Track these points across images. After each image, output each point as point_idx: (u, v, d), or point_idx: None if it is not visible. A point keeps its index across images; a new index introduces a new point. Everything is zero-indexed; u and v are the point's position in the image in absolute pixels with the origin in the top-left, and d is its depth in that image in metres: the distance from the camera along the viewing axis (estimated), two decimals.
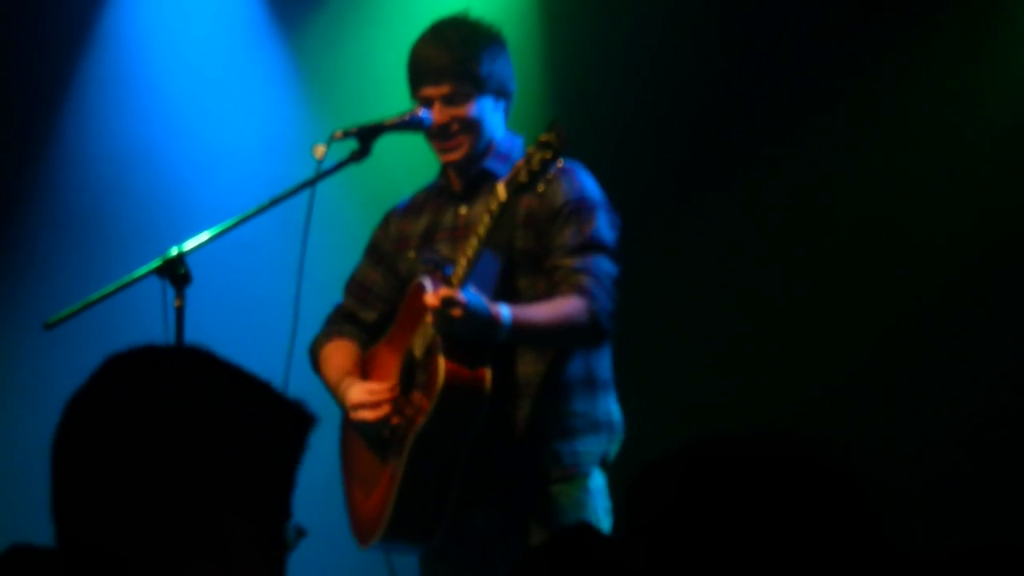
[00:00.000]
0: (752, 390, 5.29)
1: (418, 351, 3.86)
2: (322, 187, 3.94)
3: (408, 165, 5.31)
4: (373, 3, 5.70)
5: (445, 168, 4.06)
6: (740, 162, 5.39)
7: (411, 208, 4.14)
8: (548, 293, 3.85)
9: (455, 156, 3.97)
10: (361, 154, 3.95)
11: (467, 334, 3.72)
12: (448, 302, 3.64)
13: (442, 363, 3.74)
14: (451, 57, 3.94)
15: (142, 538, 1.60)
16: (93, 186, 5.61)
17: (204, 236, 3.81)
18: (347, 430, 4.12)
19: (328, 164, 3.91)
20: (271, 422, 1.69)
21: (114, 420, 1.64)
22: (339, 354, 4.09)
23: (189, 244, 3.77)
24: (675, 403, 5.22)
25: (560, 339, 3.85)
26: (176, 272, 3.73)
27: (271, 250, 5.19)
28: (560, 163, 3.68)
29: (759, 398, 5.26)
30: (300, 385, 4.08)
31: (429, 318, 3.71)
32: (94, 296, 3.81)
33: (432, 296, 3.67)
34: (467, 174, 4.01)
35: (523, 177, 3.66)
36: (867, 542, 1.54)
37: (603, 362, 3.97)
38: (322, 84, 5.71)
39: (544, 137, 3.66)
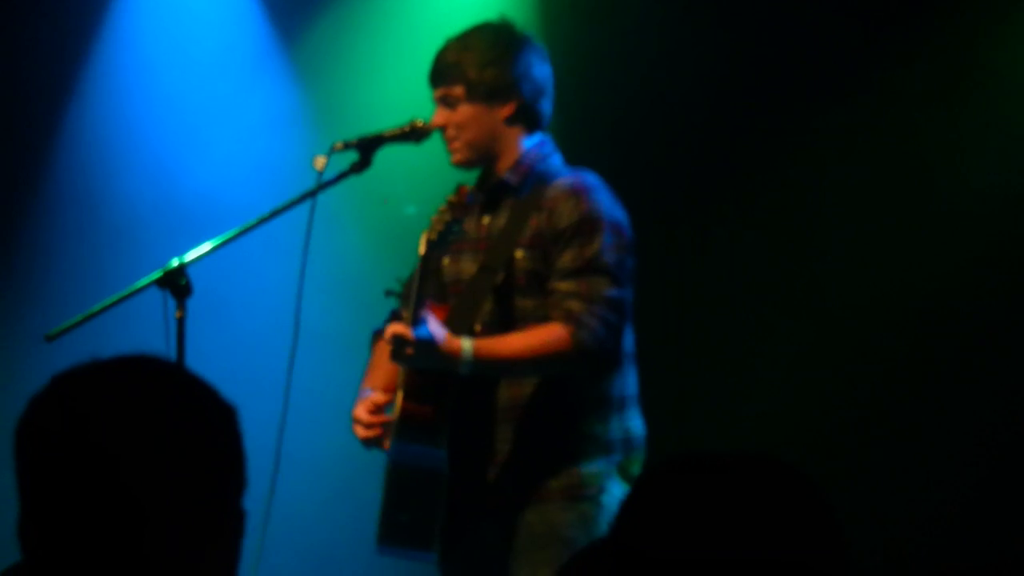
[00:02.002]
0: (757, 395, 5.28)
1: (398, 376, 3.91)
2: (323, 198, 3.94)
3: (408, 176, 5.34)
4: (373, 15, 5.71)
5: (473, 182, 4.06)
6: (741, 167, 5.38)
7: (433, 221, 4.08)
8: (546, 316, 3.82)
9: (456, 159, 3.99)
10: (361, 165, 3.96)
11: (425, 368, 3.76)
12: (399, 340, 3.70)
13: (398, 398, 3.84)
14: (447, 60, 3.97)
15: (99, 549, 1.62)
16: (94, 197, 5.61)
17: (205, 247, 3.82)
18: None
19: (328, 175, 3.91)
20: (218, 424, 1.71)
21: (58, 439, 1.65)
22: (380, 355, 4.06)
23: (190, 255, 3.78)
24: (679, 410, 5.21)
25: (535, 369, 3.82)
26: (177, 283, 3.73)
27: (272, 261, 5.20)
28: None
29: (765, 404, 5.26)
30: (301, 394, 4.11)
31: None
32: (96, 307, 3.82)
33: (387, 332, 3.73)
34: (485, 183, 4.02)
35: (433, 236, 3.76)
36: (833, 567, 1.58)
37: (620, 381, 3.92)
38: (323, 95, 5.72)
39: (451, 198, 3.76)
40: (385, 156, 4.01)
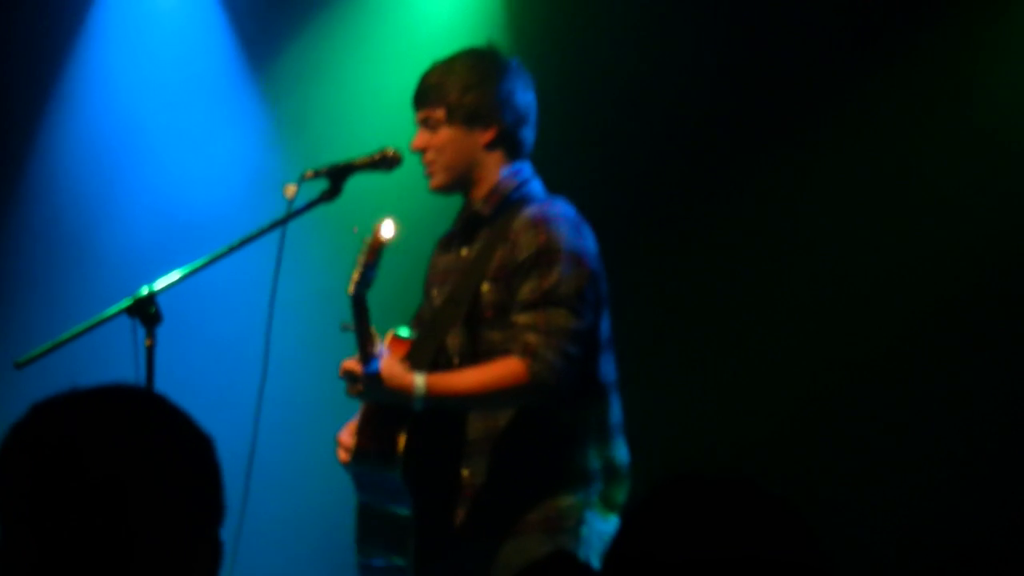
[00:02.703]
0: (757, 395, 5.28)
1: None
2: (292, 226, 3.95)
3: (378, 205, 5.34)
4: (343, 43, 5.72)
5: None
6: (735, 168, 5.37)
7: (445, 240, 4.14)
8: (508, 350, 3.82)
9: (433, 183, 3.99)
10: (332, 193, 3.96)
11: (378, 402, 3.79)
12: (348, 376, 3.77)
13: (351, 427, 3.90)
14: (430, 82, 3.97)
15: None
16: (63, 225, 5.60)
17: (175, 275, 3.82)
18: None
19: (299, 203, 3.92)
20: (198, 452, 1.72)
21: (37, 467, 1.66)
22: None
23: (160, 283, 3.78)
24: (678, 412, 5.21)
25: (490, 403, 3.81)
26: (147, 311, 3.73)
27: (242, 289, 5.20)
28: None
29: (764, 405, 5.26)
30: (272, 421, 4.11)
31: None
32: (65, 335, 3.81)
33: (341, 367, 3.79)
34: (462, 214, 4.03)
35: (356, 277, 3.78)
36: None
37: (601, 410, 3.90)
38: (293, 123, 5.73)
39: (368, 239, 3.78)
40: (355, 184, 4.02)
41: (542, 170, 4.05)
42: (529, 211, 3.89)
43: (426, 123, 3.97)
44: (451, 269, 4.01)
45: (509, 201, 3.94)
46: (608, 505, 3.89)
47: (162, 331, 3.75)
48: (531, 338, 3.75)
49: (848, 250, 5.27)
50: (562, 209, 3.92)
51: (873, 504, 5.18)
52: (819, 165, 5.30)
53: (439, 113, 3.94)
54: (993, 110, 5.14)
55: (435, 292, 4.05)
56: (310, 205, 3.95)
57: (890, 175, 5.24)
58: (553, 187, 4.05)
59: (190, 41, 5.71)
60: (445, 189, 4.00)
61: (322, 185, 3.97)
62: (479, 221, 3.97)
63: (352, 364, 3.76)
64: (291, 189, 3.89)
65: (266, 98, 5.76)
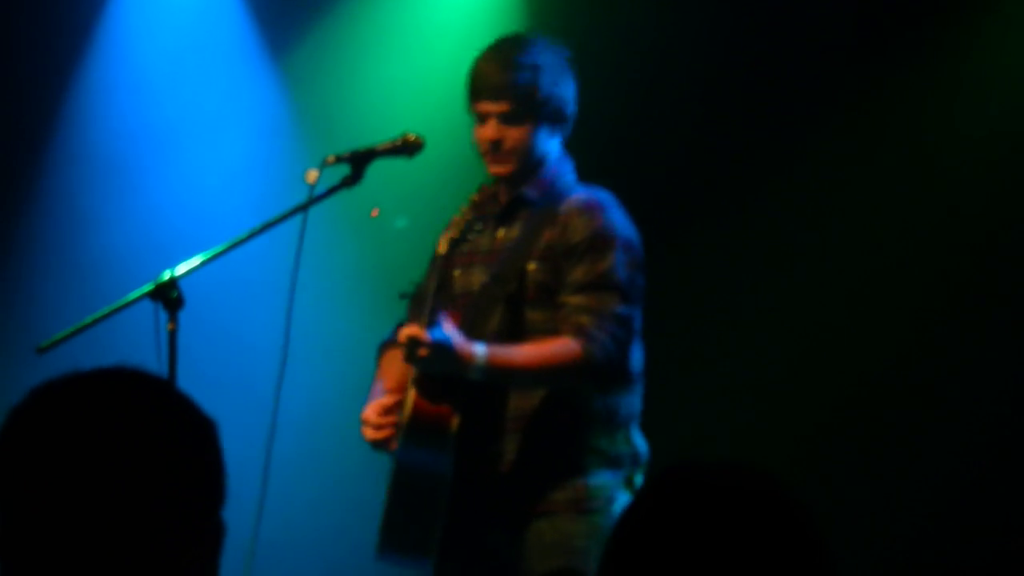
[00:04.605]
0: (757, 395, 5.29)
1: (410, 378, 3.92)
2: (314, 212, 3.96)
3: (399, 190, 5.35)
4: (364, 28, 5.72)
5: (493, 182, 4.07)
6: (737, 170, 5.38)
7: (455, 221, 4.12)
8: (555, 329, 3.85)
9: (503, 170, 3.98)
10: (353, 179, 3.96)
11: (437, 371, 3.77)
12: (413, 341, 3.72)
13: (409, 398, 3.85)
14: (512, 76, 3.94)
15: (74, 560, 1.64)
16: (85, 210, 5.62)
17: (197, 260, 3.83)
18: None
19: (320, 189, 3.92)
20: (198, 435, 1.72)
21: (34, 450, 1.67)
22: (388, 364, 4.10)
23: (182, 268, 3.78)
24: (678, 411, 5.22)
25: (545, 380, 3.86)
26: (169, 296, 3.74)
27: (264, 274, 5.21)
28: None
29: (764, 405, 5.27)
30: (292, 408, 4.12)
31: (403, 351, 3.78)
32: (87, 320, 3.82)
33: (402, 333, 3.76)
34: (504, 196, 4.04)
35: (455, 234, 3.81)
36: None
37: (628, 399, 3.96)
38: (314, 109, 5.73)
39: (474, 196, 3.82)
40: (376, 170, 4.02)
41: None
42: (580, 196, 3.95)
43: (505, 117, 3.95)
44: (485, 250, 4.02)
45: (555, 187, 3.98)
46: (631, 489, 3.94)
47: (184, 317, 3.76)
48: (585, 320, 3.81)
49: (852, 249, 5.27)
50: (611, 198, 3.98)
51: (875, 503, 5.18)
52: (825, 165, 5.31)
53: (524, 107, 3.94)
54: (997, 109, 5.13)
55: (458, 273, 4.06)
56: (332, 191, 3.95)
57: (899, 175, 5.24)
58: None
59: (210, 29, 5.71)
60: (511, 177, 4.00)
61: (344, 171, 3.97)
62: (523, 204, 4.00)
63: (416, 330, 3.74)
64: (313, 175, 3.89)
65: (287, 85, 5.77)
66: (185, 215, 5.56)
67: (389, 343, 4.13)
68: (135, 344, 3.75)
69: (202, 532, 1.69)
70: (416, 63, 5.65)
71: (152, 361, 3.66)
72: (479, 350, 3.75)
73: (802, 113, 5.31)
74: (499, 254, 3.98)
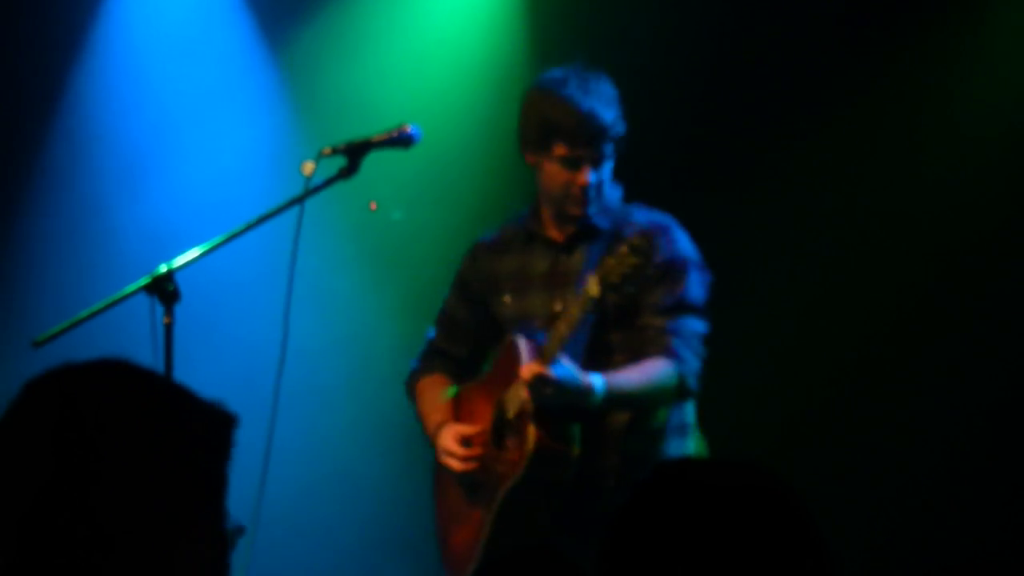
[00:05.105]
0: (759, 394, 5.29)
1: (510, 411, 3.96)
2: (310, 203, 3.95)
3: (395, 182, 5.34)
4: (360, 20, 5.71)
5: (537, 210, 4.12)
6: (736, 166, 5.37)
7: (498, 245, 4.21)
8: (638, 350, 3.95)
9: (590, 210, 4.05)
10: (349, 171, 3.96)
11: (559, 405, 3.84)
12: (540, 380, 3.76)
13: (532, 433, 3.88)
14: (604, 120, 3.99)
15: (63, 552, 1.63)
16: (82, 202, 5.61)
17: (193, 253, 3.82)
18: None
19: (316, 181, 3.92)
20: (191, 426, 1.71)
21: (37, 444, 1.66)
22: (432, 391, 4.23)
23: (178, 261, 3.77)
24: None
25: (649, 402, 3.98)
26: (165, 289, 3.73)
27: (260, 265, 5.20)
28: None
29: (766, 404, 5.27)
30: (290, 399, 4.11)
31: (523, 390, 3.82)
32: (83, 313, 3.81)
33: (526, 370, 3.79)
34: (572, 224, 4.08)
35: (614, 278, 3.74)
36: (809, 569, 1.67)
37: (688, 407, 4.10)
38: (310, 101, 5.72)
39: (636, 241, 3.75)
40: (372, 161, 4.01)
41: None
42: (645, 219, 4.04)
43: (598, 160, 4.00)
44: (542, 274, 4.08)
45: (617, 210, 4.07)
46: None
47: (181, 311, 3.75)
48: (673, 341, 3.96)
49: (846, 249, 5.27)
50: (671, 218, 4.09)
51: (874, 502, 5.18)
52: (824, 164, 5.31)
53: (610, 147, 4.02)
54: (991, 108, 5.14)
55: (508, 298, 4.12)
56: (328, 182, 3.94)
57: (896, 175, 5.24)
58: None
59: (208, 23, 5.70)
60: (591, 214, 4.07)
61: (340, 162, 3.97)
62: (591, 233, 4.05)
63: (537, 367, 3.78)
64: (309, 166, 3.89)
65: (283, 77, 5.76)
66: (181, 208, 5.55)
67: (421, 372, 4.25)
68: (131, 337, 3.73)
69: (205, 524, 1.68)
70: (412, 55, 5.64)
71: (148, 355, 3.65)
72: (597, 381, 3.83)
73: (801, 113, 5.30)
74: (562, 278, 4.03)
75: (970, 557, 5.03)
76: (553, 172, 4.01)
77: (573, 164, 3.99)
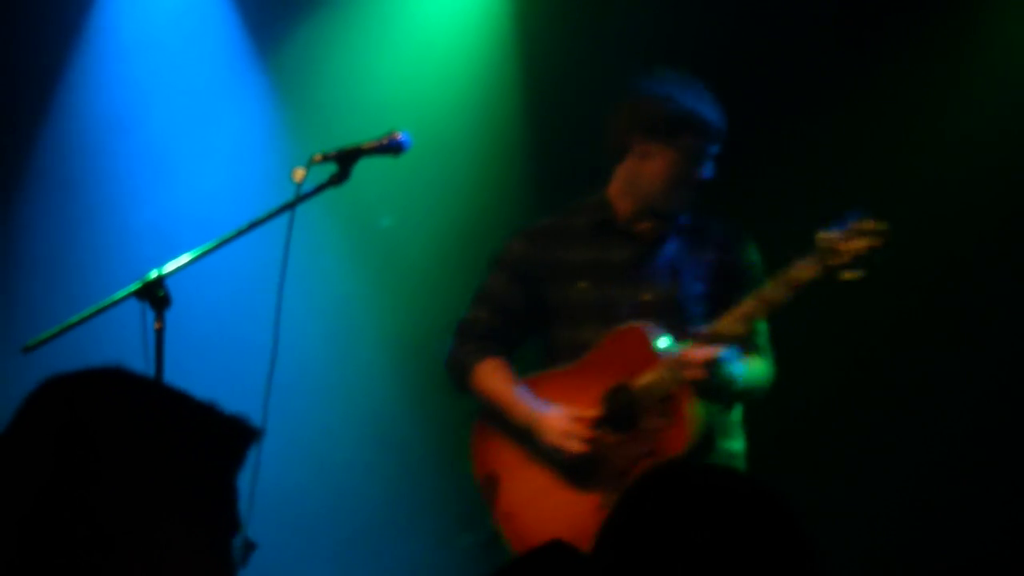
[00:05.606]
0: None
1: (654, 394, 4.03)
2: (301, 210, 3.95)
3: (386, 188, 5.35)
4: (351, 26, 5.72)
5: (607, 202, 4.21)
6: (735, 167, 5.36)
7: (559, 233, 4.27)
8: (743, 344, 4.08)
9: (687, 205, 4.21)
10: (340, 178, 3.96)
11: (714, 388, 3.99)
12: (712, 364, 3.93)
13: (698, 413, 4.01)
14: (723, 123, 4.17)
15: (78, 553, 1.63)
16: (71, 208, 5.61)
17: (184, 259, 3.82)
18: (488, 439, 4.24)
19: (307, 187, 3.92)
20: (193, 432, 1.71)
21: (38, 444, 1.66)
22: (502, 372, 4.25)
23: (169, 267, 3.78)
24: None
25: (757, 394, 4.20)
26: (155, 294, 3.73)
27: (251, 272, 5.20)
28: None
29: (769, 397, 5.29)
30: (280, 405, 4.11)
31: (690, 372, 3.93)
32: (74, 319, 3.81)
33: (702, 354, 3.93)
34: (655, 218, 4.20)
35: (845, 259, 3.86)
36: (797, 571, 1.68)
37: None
38: (301, 107, 5.73)
39: (874, 225, 3.88)
40: (362, 167, 4.02)
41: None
42: (728, 222, 4.26)
43: (711, 159, 4.17)
44: (621, 265, 4.16)
45: (692, 212, 4.23)
46: None
47: (171, 316, 3.75)
48: (764, 343, 4.18)
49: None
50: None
51: (873, 502, 5.18)
52: (824, 164, 5.32)
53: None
54: (990, 108, 5.14)
55: (584, 285, 4.17)
56: (319, 189, 3.94)
57: (895, 175, 5.24)
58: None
59: (198, 29, 5.71)
60: None
61: (330, 169, 3.97)
62: (671, 225, 4.18)
63: (708, 353, 3.93)
64: (300, 173, 3.89)
65: (274, 83, 5.76)
66: (171, 213, 5.55)
67: (476, 354, 4.26)
68: (122, 343, 3.74)
69: (206, 529, 1.68)
70: (403, 62, 5.64)
71: (139, 360, 3.65)
72: (737, 369, 4.01)
73: (800, 113, 5.31)
74: (648, 269, 4.14)
75: (970, 557, 5.03)
76: (669, 162, 4.12)
77: (696, 158, 4.12)
